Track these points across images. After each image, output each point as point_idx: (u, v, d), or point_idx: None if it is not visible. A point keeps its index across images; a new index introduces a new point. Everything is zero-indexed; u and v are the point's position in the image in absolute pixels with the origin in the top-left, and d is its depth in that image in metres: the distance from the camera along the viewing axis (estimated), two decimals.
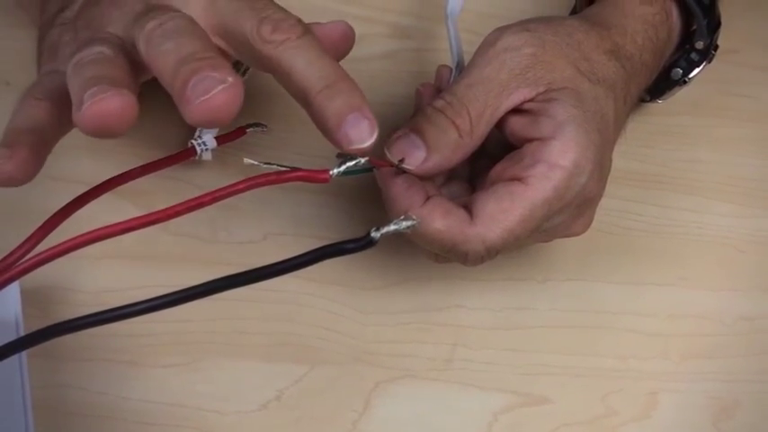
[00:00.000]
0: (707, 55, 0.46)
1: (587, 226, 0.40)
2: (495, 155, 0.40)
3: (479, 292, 0.44)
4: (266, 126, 0.44)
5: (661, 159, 0.50)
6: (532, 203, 0.36)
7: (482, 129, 0.38)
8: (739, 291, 0.46)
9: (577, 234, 0.40)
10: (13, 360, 0.38)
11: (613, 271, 0.46)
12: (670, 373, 0.44)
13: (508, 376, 0.43)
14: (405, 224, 0.32)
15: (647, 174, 0.49)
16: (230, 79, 0.29)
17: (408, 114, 0.45)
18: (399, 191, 0.37)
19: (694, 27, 0.45)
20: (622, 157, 0.49)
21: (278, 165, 0.37)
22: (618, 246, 0.47)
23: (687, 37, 0.45)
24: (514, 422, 0.42)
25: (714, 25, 0.45)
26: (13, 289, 0.39)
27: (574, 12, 0.48)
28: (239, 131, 0.44)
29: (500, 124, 0.39)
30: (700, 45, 0.45)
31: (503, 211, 0.36)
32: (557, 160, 0.36)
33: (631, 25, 0.42)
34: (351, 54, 0.50)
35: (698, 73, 0.46)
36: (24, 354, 0.38)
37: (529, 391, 0.43)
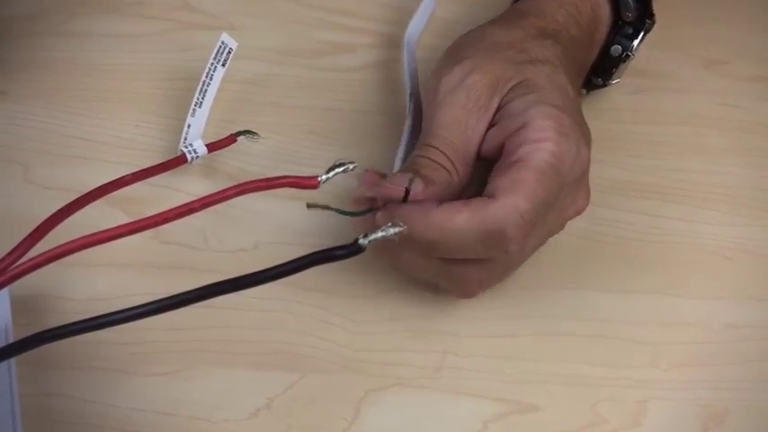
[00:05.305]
0: (642, 25, 0.46)
1: (588, 198, 0.41)
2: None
3: (469, 300, 0.44)
4: (257, 134, 0.45)
5: (651, 169, 0.50)
6: (539, 167, 0.36)
7: (463, 167, 0.39)
8: (727, 299, 0.46)
9: (582, 210, 0.40)
10: (1, 367, 0.38)
11: (603, 279, 0.46)
12: (659, 381, 0.44)
13: (498, 384, 0.43)
14: (392, 230, 0.32)
15: (636, 183, 0.49)
16: None
17: (398, 124, 0.46)
18: (409, 207, 0.37)
19: None
20: (613, 167, 0.49)
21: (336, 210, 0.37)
22: (607, 254, 0.47)
23: (618, 12, 0.46)
24: (504, 430, 0.42)
25: None
26: (3, 296, 0.39)
27: None
28: (229, 139, 0.44)
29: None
30: (628, 17, 0.45)
31: (517, 180, 0.36)
32: (538, 135, 0.37)
33: (548, 7, 0.43)
34: (341, 63, 0.51)
35: (639, 44, 0.46)
36: (13, 361, 0.38)
37: (518, 399, 0.43)
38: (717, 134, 0.52)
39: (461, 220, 0.36)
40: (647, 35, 0.46)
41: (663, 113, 0.52)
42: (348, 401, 0.42)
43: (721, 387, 0.44)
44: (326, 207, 0.36)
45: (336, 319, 0.43)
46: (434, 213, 0.36)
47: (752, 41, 0.55)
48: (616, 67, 0.47)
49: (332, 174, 0.37)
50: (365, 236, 0.31)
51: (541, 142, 0.37)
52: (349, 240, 0.31)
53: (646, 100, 0.52)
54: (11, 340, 0.38)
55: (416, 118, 0.45)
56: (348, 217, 0.39)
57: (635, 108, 0.51)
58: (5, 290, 0.35)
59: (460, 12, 0.54)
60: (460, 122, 0.39)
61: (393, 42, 0.52)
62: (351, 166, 0.37)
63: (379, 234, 0.32)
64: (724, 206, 0.49)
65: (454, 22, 0.53)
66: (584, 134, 0.39)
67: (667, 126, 0.52)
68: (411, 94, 0.46)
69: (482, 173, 0.40)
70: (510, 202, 0.36)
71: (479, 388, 0.43)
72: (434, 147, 0.39)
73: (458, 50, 0.42)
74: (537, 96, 0.38)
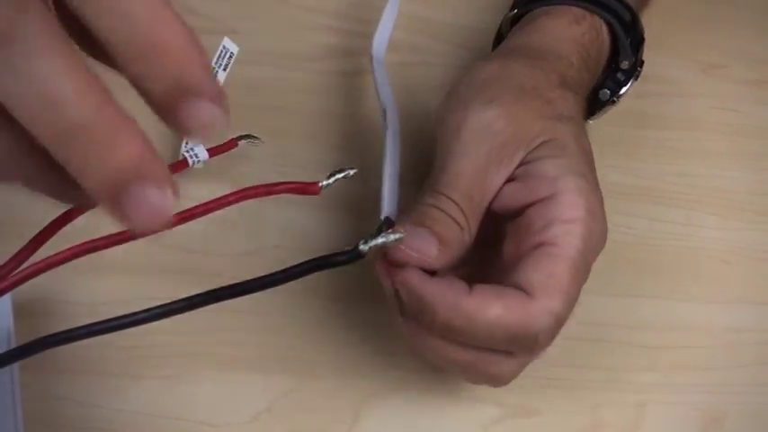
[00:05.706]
0: (633, 73, 0.45)
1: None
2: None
3: None
4: (258, 138, 0.45)
5: (650, 173, 0.50)
6: (572, 258, 0.34)
7: (475, 223, 0.36)
8: (726, 303, 0.47)
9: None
10: (4, 372, 0.38)
11: (603, 283, 0.46)
12: (659, 384, 0.44)
13: (498, 388, 0.43)
14: (393, 237, 0.32)
15: (636, 187, 0.49)
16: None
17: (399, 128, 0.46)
18: (438, 287, 0.34)
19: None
20: (612, 171, 0.49)
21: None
22: (608, 258, 0.47)
23: (614, 55, 0.45)
24: None
25: (637, 42, 0.45)
26: (5, 301, 0.39)
27: (499, 34, 0.47)
28: (231, 143, 0.44)
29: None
30: (625, 65, 0.45)
31: (551, 275, 0.34)
32: (570, 215, 0.35)
33: (564, 48, 0.41)
34: (339, 68, 0.51)
35: (626, 91, 0.46)
36: (16, 366, 0.38)
37: (519, 403, 0.43)
38: (715, 138, 0.52)
39: (494, 315, 0.33)
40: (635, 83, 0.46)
41: (662, 117, 0.52)
42: (348, 405, 0.42)
43: (720, 391, 0.44)
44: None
45: (337, 323, 0.44)
46: (465, 301, 0.33)
47: (750, 46, 0.56)
48: (600, 109, 0.46)
49: (333, 180, 0.37)
50: (366, 241, 0.32)
51: (572, 224, 0.35)
52: (350, 246, 0.32)
53: (645, 104, 0.52)
54: (13, 345, 0.38)
55: (395, 132, 0.44)
56: (351, 224, 0.39)
57: (634, 112, 0.52)
58: (7, 295, 0.34)
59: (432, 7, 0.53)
60: (481, 172, 0.36)
61: (392, 45, 0.52)
62: (351, 172, 0.37)
63: (380, 240, 0.32)
64: (723, 210, 0.49)
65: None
66: (602, 203, 0.37)
67: (666, 130, 0.52)
68: (384, 110, 0.45)
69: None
70: (546, 306, 0.34)
71: (479, 392, 0.43)
72: (450, 198, 0.36)
73: (483, 87, 0.39)
74: (567, 163, 0.36)
